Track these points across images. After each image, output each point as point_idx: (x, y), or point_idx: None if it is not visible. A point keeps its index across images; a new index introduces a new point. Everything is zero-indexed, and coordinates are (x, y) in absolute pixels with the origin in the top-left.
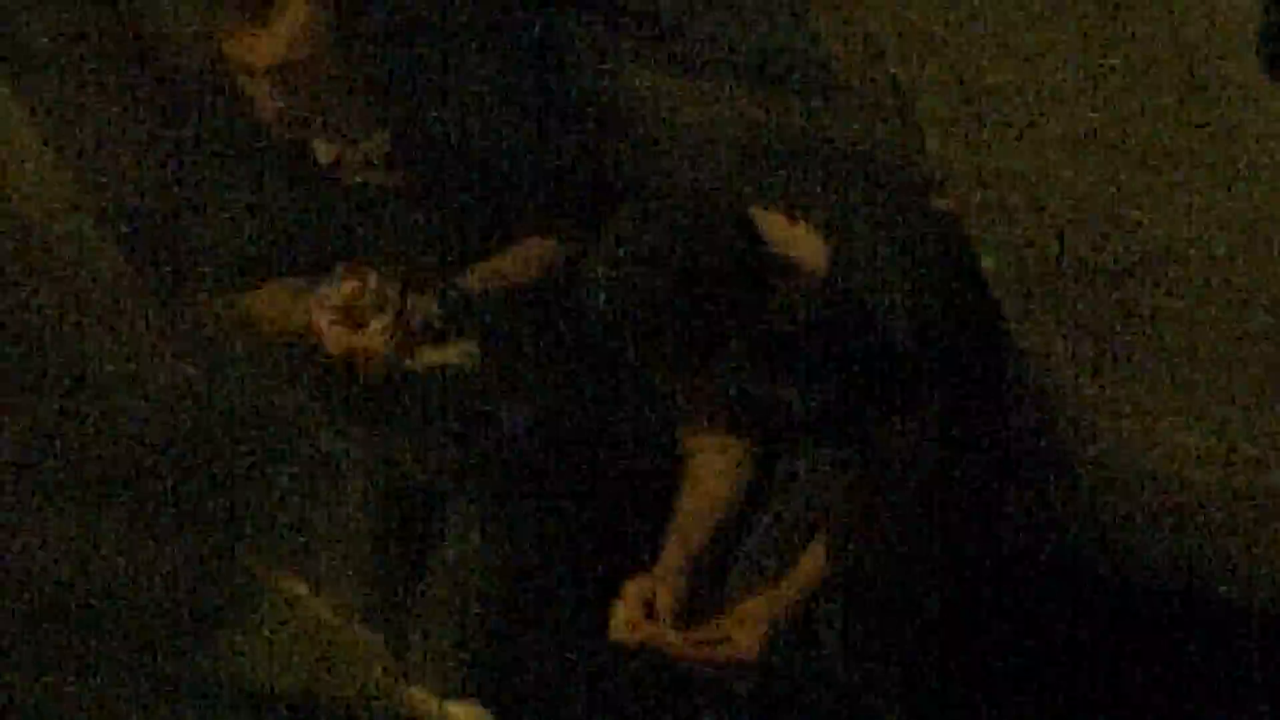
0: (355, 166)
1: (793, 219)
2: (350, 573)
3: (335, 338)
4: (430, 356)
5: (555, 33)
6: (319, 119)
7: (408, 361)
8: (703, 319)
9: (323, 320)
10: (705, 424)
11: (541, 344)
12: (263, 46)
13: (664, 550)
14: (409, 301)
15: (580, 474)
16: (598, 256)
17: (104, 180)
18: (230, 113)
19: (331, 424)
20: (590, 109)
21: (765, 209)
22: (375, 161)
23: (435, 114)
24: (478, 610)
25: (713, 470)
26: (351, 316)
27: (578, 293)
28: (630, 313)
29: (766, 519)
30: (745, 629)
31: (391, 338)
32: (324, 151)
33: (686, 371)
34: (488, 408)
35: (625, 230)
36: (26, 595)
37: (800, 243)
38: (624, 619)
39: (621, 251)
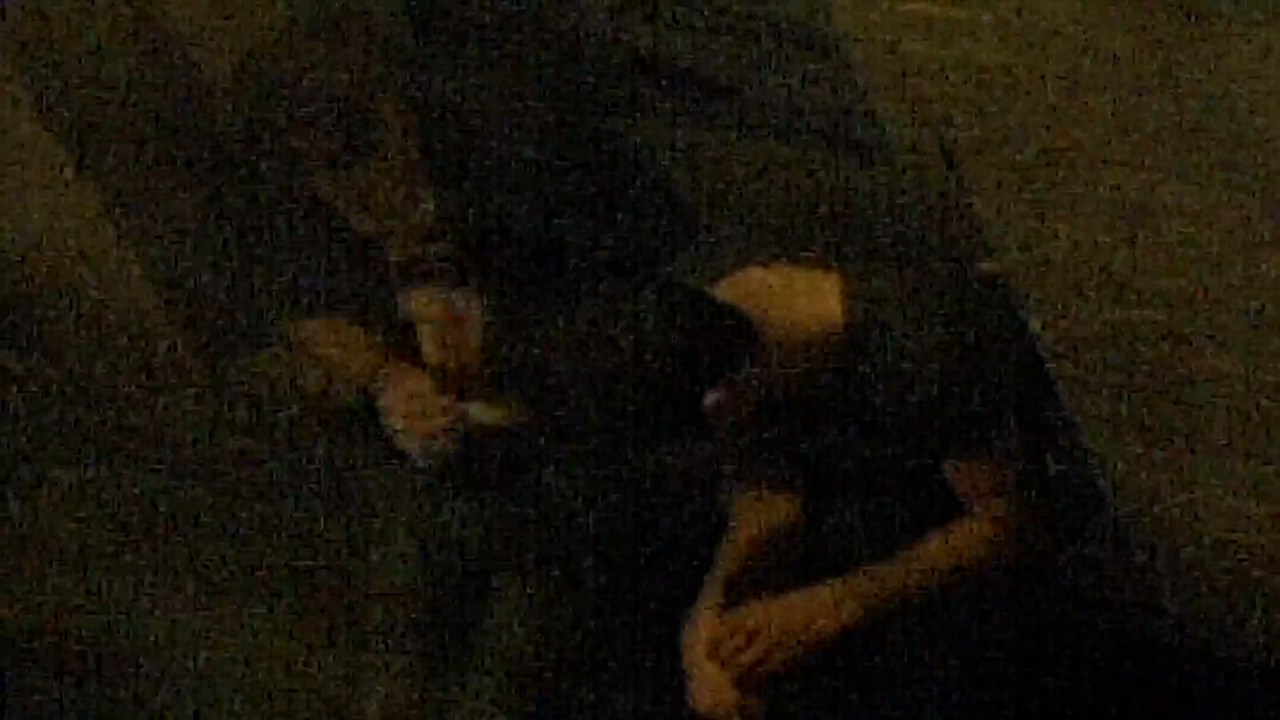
0: (402, 239)
1: (825, 269)
2: (398, 640)
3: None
4: (478, 415)
5: (607, 94)
6: (373, 195)
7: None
8: (678, 396)
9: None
10: (747, 480)
11: (586, 405)
12: None
13: (702, 597)
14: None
15: (627, 538)
16: (566, 355)
17: (153, 241)
18: (279, 182)
19: (380, 490)
20: (641, 169)
21: (790, 262)
22: (422, 234)
23: (483, 184)
24: (527, 679)
25: (754, 522)
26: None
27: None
28: (601, 406)
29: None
30: (827, 604)
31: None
32: (364, 222)
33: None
34: (535, 473)
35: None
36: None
37: (819, 295)
38: (710, 687)
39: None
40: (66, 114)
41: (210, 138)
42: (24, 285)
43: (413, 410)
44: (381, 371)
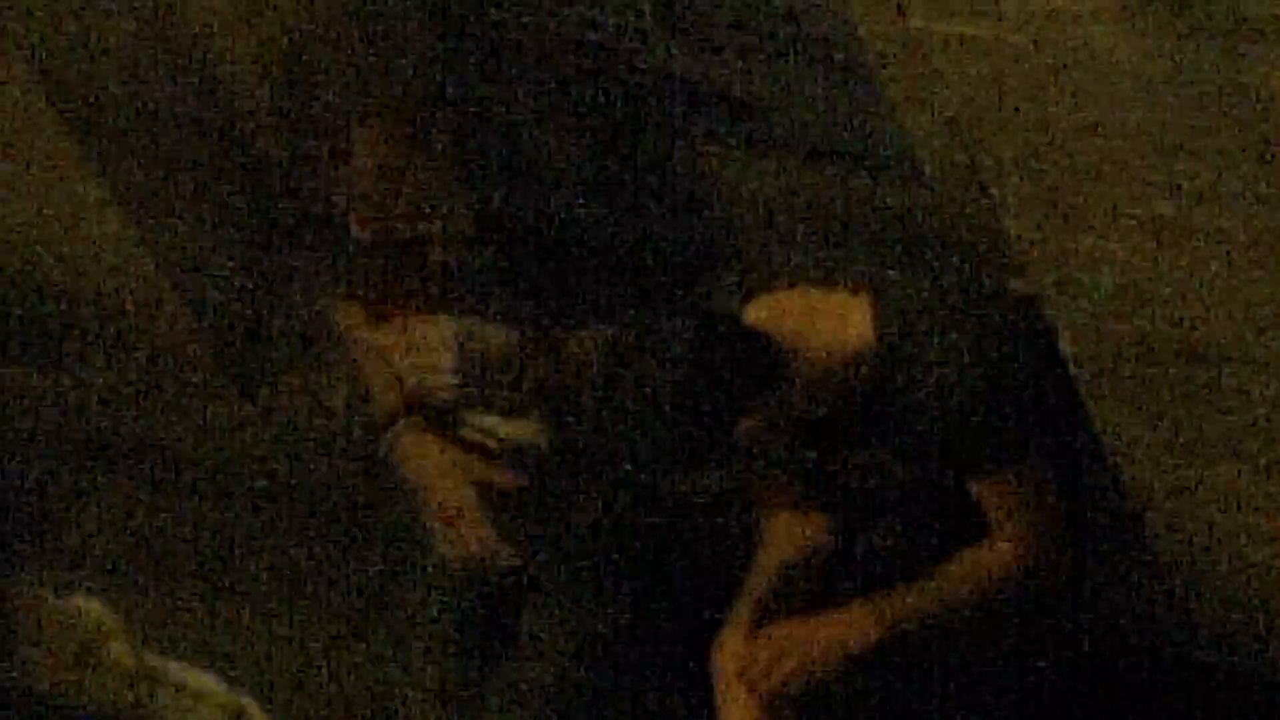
0: (440, 244)
1: (854, 289)
2: (431, 660)
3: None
4: (502, 430)
5: (637, 112)
6: (408, 208)
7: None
8: (711, 422)
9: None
10: (778, 501)
11: (618, 430)
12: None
13: (732, 618)
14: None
15: (659, 559)
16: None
17: (185, 261)
18: (311, 196)
19: (412, 508)
20: (669, 187)
21: (820, 283)
22: (459, 239)
23: (520, 192)
24: (562, 687)
25: (785, 543)
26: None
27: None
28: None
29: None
30: (855, 625)
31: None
32: (400, 230)
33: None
34: (566, 487)
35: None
36: None
37: (848, 316)
38: (738, 707)
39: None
40: (91, 119)
41: (239, 144)
42: (50, 302)
43: (451, 517)
44: (403, 421)
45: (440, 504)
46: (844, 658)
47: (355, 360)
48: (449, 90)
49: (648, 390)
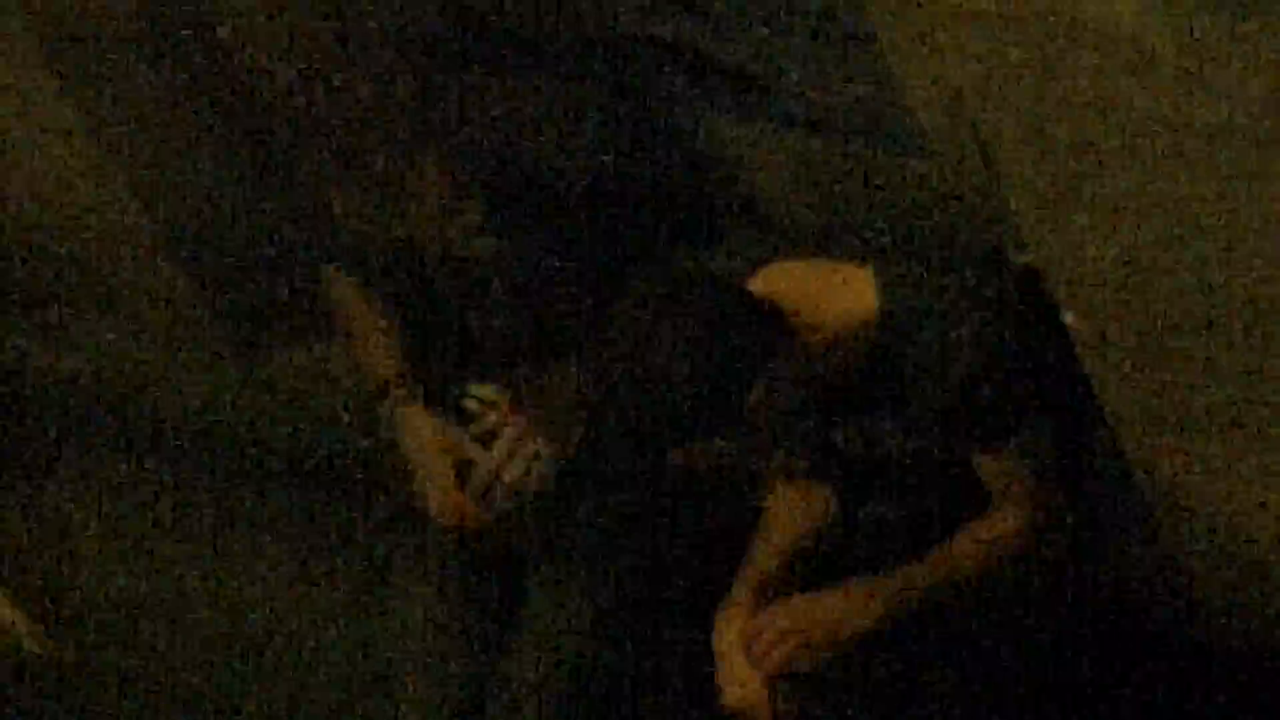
0: (454, 238)
1: (857, 261)
2: (434, 633)
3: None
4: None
5: (644, 83)
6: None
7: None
8: (720, 393)
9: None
10: (781, 475)
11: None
12: None
13: (733, 593)
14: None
15: (661, 533)
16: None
17: (186, 224)
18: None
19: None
20: (674, 159)
21: (823, 254)
22: (472, 231)
23: (527, 173)
24: (564, 664)
25: (788, 518)
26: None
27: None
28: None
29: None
30: (857, 603)
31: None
32: (403, 225)
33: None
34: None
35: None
36: None
37: (852, 287)
38: (740, 684)
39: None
40: (93, 81)
41: (251, 119)
42: (49, 271)
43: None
44: (396, 394)
45: (425, 477)
46: (847, 634)
47: (347, 328)
48: (452, 72)
49: (659, 363)
